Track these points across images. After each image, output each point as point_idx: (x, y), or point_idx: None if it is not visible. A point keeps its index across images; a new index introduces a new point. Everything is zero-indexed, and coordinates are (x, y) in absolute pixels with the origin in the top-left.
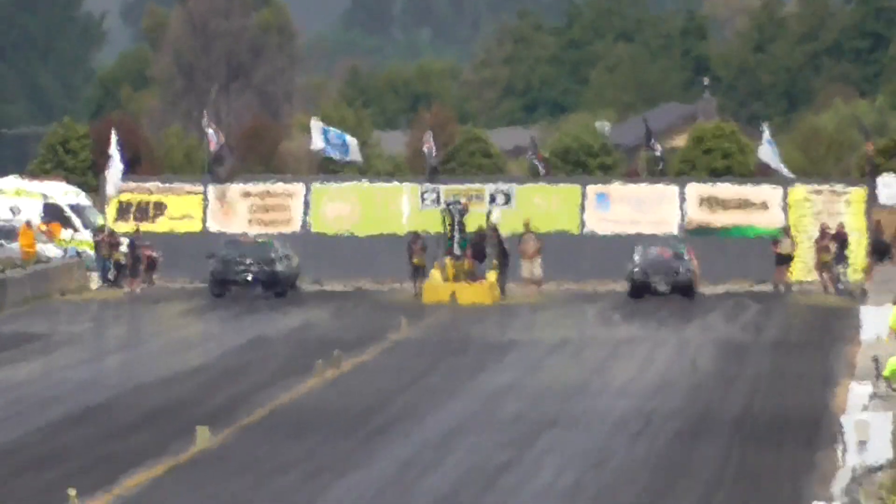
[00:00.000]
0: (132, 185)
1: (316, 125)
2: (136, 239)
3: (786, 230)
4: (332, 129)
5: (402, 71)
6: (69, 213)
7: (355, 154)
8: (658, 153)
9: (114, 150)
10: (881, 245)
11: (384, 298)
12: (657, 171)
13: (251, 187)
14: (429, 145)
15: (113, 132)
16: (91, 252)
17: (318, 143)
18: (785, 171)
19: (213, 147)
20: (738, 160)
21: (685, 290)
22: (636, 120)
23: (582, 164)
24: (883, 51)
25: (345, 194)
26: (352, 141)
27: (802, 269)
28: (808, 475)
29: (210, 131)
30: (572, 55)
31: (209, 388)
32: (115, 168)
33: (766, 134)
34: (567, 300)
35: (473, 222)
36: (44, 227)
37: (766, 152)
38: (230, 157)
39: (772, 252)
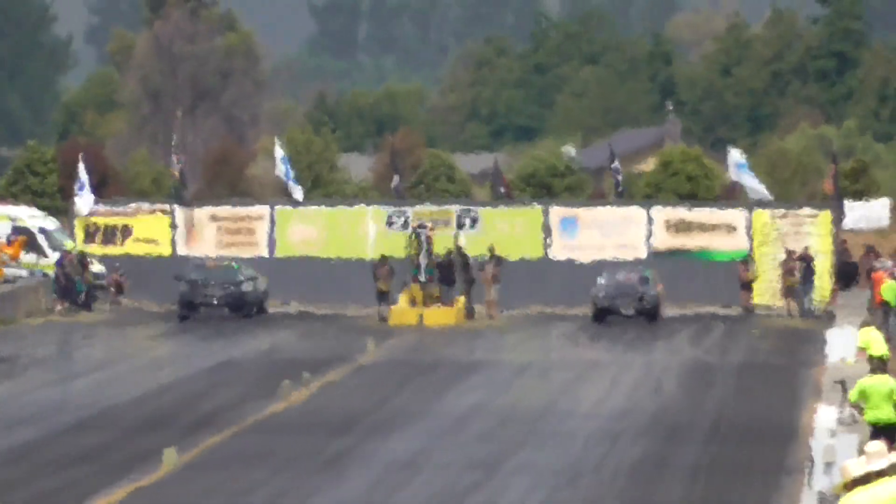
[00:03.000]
0: (100, 208)
1: (279, 152)
2: (64, 258)
3: (751, 254)
4: (288, 164)
5: (369, 95)
6: (37, 236)
7: (297, 193)
8: (617, 179)
9: (83, 176)
10: (848, 267)
11: (351, 322)
12: (616, 195)
13: (218, 211)
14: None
15: (80, 157)
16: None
17: (279, 169)
18: (764, 190)
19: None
20: (703, 184)
21: (649, 314)
22: (602, 143)
23: (547, 187)
24: (850, 72)
25: (310, 218)
26: (297, 187)
27: (768, 293)
28: (776, 497)
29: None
30: (538, 80)
31: (176, 410)
32: (86, 194)
33: (736, 156)
34: (533, 323)
35: (441, 246)
36: (8, 250)
37: (740, 174)
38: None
39: (738, 275)
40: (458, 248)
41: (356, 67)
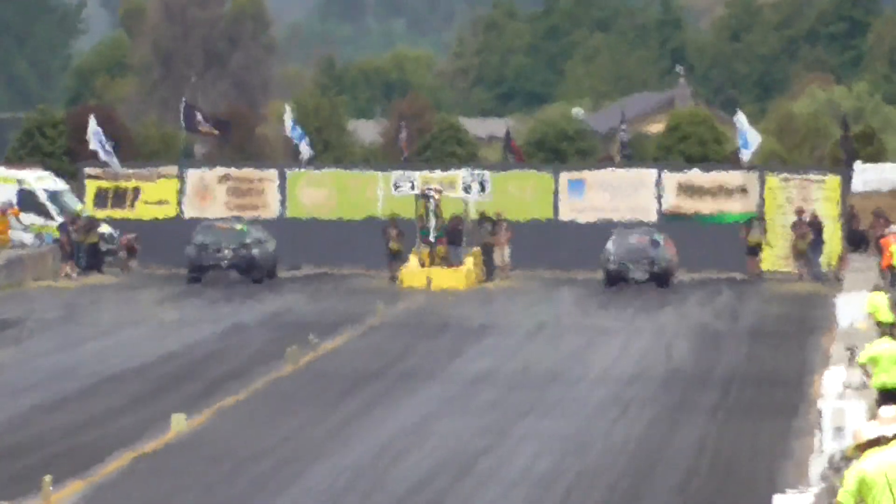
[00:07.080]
0: (108, 171)
1: (288, 114)
2: (67, 223)
3: (758, 217)
4: (297, 126)
5: (377, 60)
6: (44, 199)
7: (305, 151)
8: (624, 140)
9: (102, 139)
10: (857, 234)
11: (360, 284)
12: (623, 157)
13: (227, 173)
14: (404, 142)
15: (92, 119)
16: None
17: (288, 130)
18: (747, 154)
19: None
20: (713, 147)
21: (661, 278)
22: (612, 107)
23: (556, 151)
24: (860, 37)
25: (320, 180)
26: (305, 149)
27: (777, 258)
28: (785, 461)
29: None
30: (549, 45)
31: (185, 374)
32: (112, 159)
33: (741, 118)
34: (543, 286)
35: (449, 209)
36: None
37: (743, 136)
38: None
39: (741, 239)
40: (481, 212)
41: (364, 32)
